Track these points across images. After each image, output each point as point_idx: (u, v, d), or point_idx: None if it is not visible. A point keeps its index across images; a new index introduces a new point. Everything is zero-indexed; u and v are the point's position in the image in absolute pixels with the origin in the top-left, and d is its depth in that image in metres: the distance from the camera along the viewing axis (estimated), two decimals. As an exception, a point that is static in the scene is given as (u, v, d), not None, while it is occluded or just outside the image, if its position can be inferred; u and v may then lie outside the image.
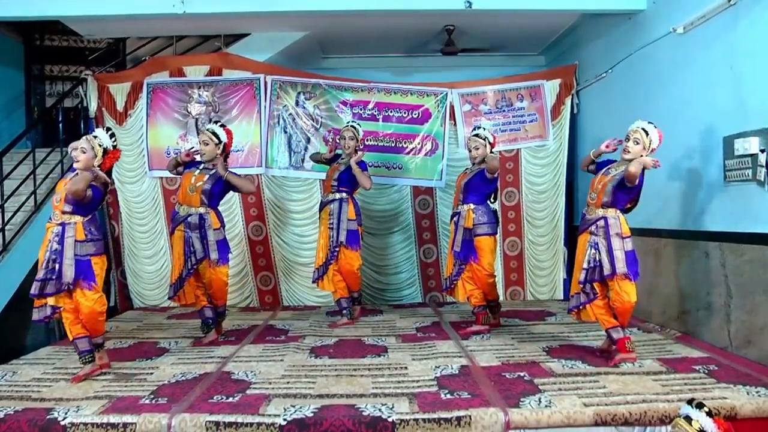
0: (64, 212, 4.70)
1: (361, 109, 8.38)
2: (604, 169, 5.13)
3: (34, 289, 4.64)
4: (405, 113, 8.41)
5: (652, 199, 6.43)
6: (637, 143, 4.91)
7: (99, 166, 4.82)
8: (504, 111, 8.44)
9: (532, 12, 7.30)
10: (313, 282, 6.96)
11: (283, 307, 8.17)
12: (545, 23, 8.35)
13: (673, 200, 6.13)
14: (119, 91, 8.28)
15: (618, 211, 4.98)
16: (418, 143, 8.38)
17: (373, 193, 8.21)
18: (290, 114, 8.30)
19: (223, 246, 5.91)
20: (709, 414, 3.00)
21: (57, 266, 4.62)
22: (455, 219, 6.28)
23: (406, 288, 8.51)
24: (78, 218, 4.72)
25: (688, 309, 5.88)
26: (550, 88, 8.48)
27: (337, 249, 6.67)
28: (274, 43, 8.45)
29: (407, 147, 8.38)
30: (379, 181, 8.21)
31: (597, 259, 4.92)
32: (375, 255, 8.42)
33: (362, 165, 6.78)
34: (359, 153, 6.70)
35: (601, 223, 4.95)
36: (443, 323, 6.79)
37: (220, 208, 6.09)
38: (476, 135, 6.18)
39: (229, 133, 6.00)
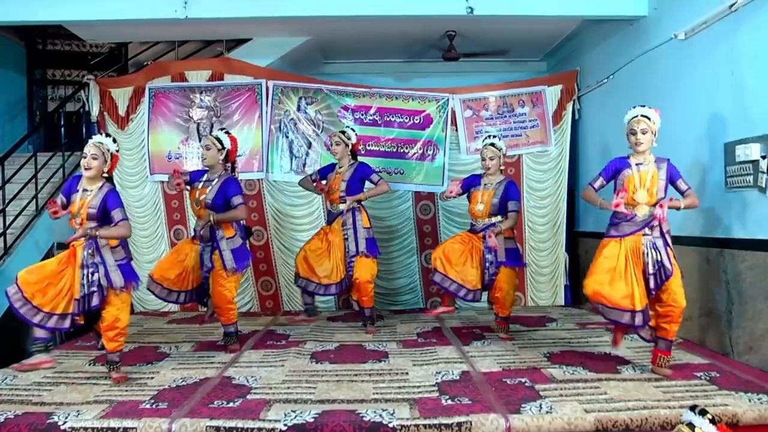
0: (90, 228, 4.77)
1: (362, 115, 8.39)
2: (632, 167, 4.86)
3: (76, 308, 4.69)
4: (406, 119, 8.42)
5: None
6: (645, 133, 4.78)
7: (107, 171, 4.88)
8: (505, 117, 8.44)
9: (534, 18, 7.31)
10: (341, 293, 7.04)
11: (283, 312, 8.16)
12: (546, 29, 8.37)
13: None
14: (121, 96, 8.32)
15: None
16: (420, 149, 8.38)
17: (375, 199, 8.23)
18: (291, 119, 8.31)
19: (241, 254, 5.81)
20: (712, 421, 2.98)
21: (100, 276, 4.71)
22: (489, 230, 6.01)
23: (407, 293, 8.50)
24: None
25: (689, 315, 5.85)
26: (552, 93, 8.48)
27: (353, 259, 6.58)
28: (275, 49, 8.47)
29: (409, 152, 8.38)
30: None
31: (659, 260, 4.70)
32: (378, 260, 8.38)
33: (368, 169, 6.77)
34: (348, 201, 6.57)
35: (656, 222, 4.75)
36: (444, 329, 6.78)
37: None
38: (492, 144, 6.22)
39: (233, 140, 5.91)
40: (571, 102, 8.49)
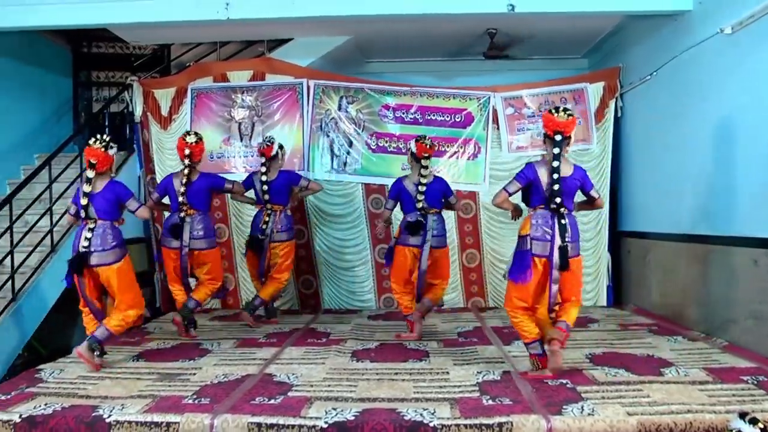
0: None
1: (403, 113, 8.40)
2: None
3: None
4: (447, 117, 8.40)
5: (698, 205, 6.33)
6: None
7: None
8: (547, 114, 8.37)
9: (575, 14, 7.24)
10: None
11: (324, 311, 8.21)
12: (588, 25, 8.27)
13: (720, 206, 6.00)
14: (164, 97, 8.46)
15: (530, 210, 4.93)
16: (460, 147, 8.37)
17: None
18: (333, 118, 8.36)
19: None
20: (764, 430, 2.88)
21: None
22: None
23: (448, 293, 8.43)
24: None
25: (735, 318, 5.75)
26: (594, 91, 8.38)
27: None
28: (316, 48, 8.53)
29: (450, 151, 8.36)
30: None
31: None
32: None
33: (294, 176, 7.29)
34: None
35: None
36: (485, 328, 6.76)
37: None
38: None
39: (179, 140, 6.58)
40: (614, 99, 8.36)
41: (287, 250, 7.11)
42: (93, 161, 5.21)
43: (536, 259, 4.71)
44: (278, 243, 7.02)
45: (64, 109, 10.08)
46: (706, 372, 4.78)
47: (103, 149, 5.25)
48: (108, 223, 5.31)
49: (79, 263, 5.21)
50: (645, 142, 7.77)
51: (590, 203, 5.08)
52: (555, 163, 4.68)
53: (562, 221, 4.70)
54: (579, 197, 5.03)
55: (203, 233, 6.45)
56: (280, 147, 7.14)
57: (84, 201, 5.20)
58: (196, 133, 6.55)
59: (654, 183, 7.45)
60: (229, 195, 7.73)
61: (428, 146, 6.33)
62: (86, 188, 5.22)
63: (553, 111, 4.79)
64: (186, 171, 6.42)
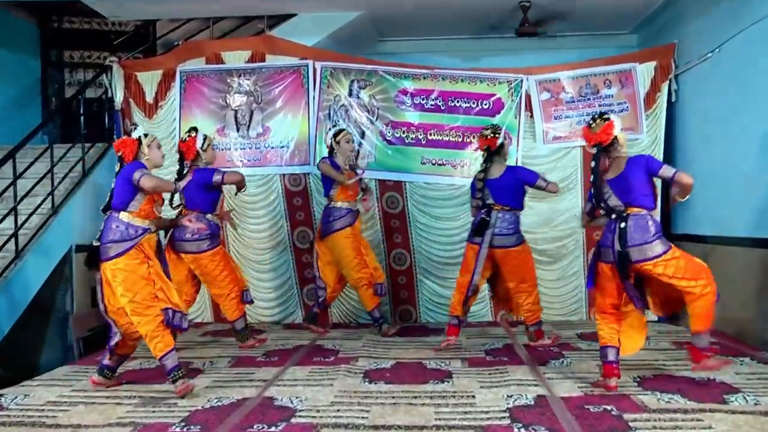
0: None
1: (423, 99, 8.36)
2: None
3: None
4: (474, 103, 8.35)
5: (763, 203, 6.22)
6: None
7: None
8: (589, 99, 8.29)
9: (623, -17, 7.19)
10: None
11: (332, 325, 8.16)
12: (638, -4, 8.21)
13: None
14: (149, 80, 8.47)
15: None
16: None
17: (438, 196, 8.25)
18: (342, 105, 8.34)
19: None
20: None
21: None
22: None
23: (474, 305, 8.38)
24: None
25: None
26: (644, 72, 8.29)
27: None
28: (324, 25, 8.54)
29: (475, 142, 8.26)
30: (444, 182, 8.33)
31: None
32: (438, 267, 8.37)
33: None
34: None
35: None
36: (516, 346, 6.71)
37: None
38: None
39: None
40: (667, 82, 8.27)
41: (336, 247, 7.23)
42: (119, 154, 5.43)
43: (603, 264, 5.08)
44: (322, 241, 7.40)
45: (32, 94, 10.10)
46: (780, 400, 4.67)
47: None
48: (115, 214, 5.19)
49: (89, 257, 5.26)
50: (703, 131, 7.67)
51: (674, 183, 5.02)
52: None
53: (621, 225, 4.88)
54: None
55: (184, 234, 6.45)
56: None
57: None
58: (191, 129, 6.62)
59: (714, 178, 7.33)
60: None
61: (486, 137, 6.60)
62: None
63: (592, 123, 5.04)
64: (184, 171, 6.59)
